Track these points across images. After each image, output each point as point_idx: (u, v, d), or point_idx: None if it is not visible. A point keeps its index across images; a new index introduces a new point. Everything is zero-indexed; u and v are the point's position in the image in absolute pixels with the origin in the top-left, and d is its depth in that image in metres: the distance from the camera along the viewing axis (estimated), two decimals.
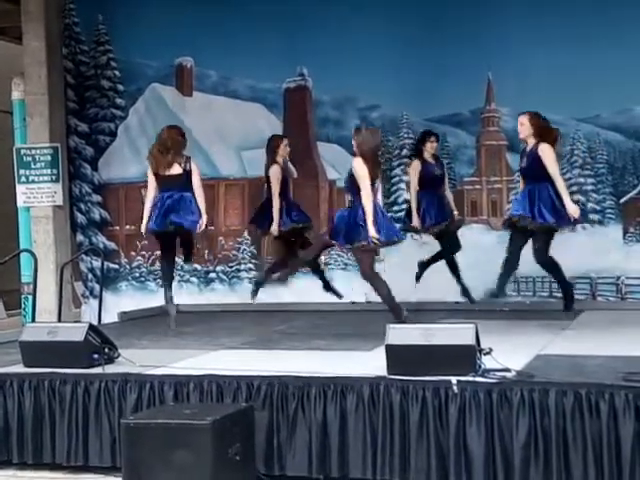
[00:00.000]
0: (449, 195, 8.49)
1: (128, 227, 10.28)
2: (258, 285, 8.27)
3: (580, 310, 8.15)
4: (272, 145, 8.15)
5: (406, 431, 4.89)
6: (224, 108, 10.01)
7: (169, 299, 7.69)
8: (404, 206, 9.50)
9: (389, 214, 9.46)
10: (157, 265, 10.09)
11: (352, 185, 6.85)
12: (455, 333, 5.10)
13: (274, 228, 8.02)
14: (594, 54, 8.58)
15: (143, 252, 10.18)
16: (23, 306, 9.96)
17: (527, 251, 7.62)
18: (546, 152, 6.94)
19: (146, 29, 9.78)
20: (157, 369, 5.60)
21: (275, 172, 8.01)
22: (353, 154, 7.07)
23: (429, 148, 8.33)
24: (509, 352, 5.43)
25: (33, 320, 9.01)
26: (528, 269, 8.74)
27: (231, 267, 9.75)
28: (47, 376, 5.57)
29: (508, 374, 4.94)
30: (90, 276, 10.28)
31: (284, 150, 8.13)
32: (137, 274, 10.19)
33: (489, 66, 8.96)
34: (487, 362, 5.04)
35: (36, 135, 9.97)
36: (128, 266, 10.21)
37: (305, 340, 6.87)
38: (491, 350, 5.12)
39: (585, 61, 8.64)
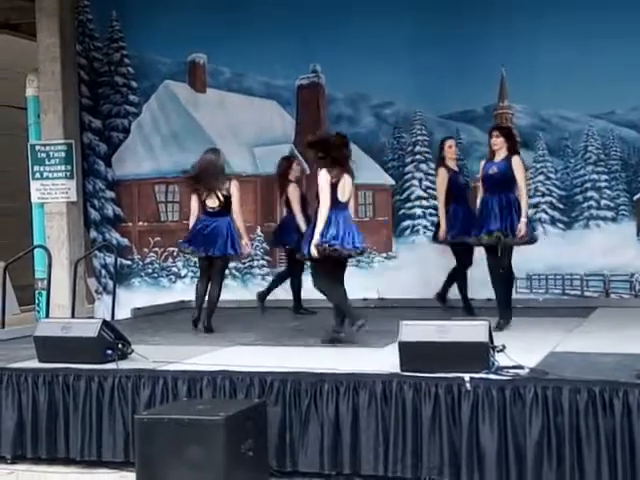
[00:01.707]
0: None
1: (141, 223, 10.32)
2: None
3: (594, 307, 8.14)
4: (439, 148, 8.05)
5: (418, 428, 4.89)
6: (237, 105, 10.02)
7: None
8: (417, 202, 9.52)
9: (401, 211, 9.52)
10: (169, 261, 10.14)
11: None
12: (468, 330, 5.10)
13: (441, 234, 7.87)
14: (608, 51, 8.53)
15: (156, 248, 10.21)
16: (37, 302, 10.00)
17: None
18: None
19: (160, 26, 9.79)
20: (170, 365, 5.61)
21: (441, 174, 7.87)
22: None
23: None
24: (522, 349, 5.43)
25: (47, 316, 9.05)
26: (541, 267, 8.77)
27: (244, 263, 9.75)
28: (61, 371, 5.59)
29: (521, 371, 4.93)
30: (103, 272, 10.31)
31: (450, 152, 7.98)
32: (150, 270, 10.21)
33: (503, 63, 8.93)
34: (500, 359, 5.03)
35: (50, 131, 10.01)
36: (141, 262, 10.24)
37: (318, 336, 6.87)
38: (504, 347, 5.11)
39: (599, 58, 8.59)
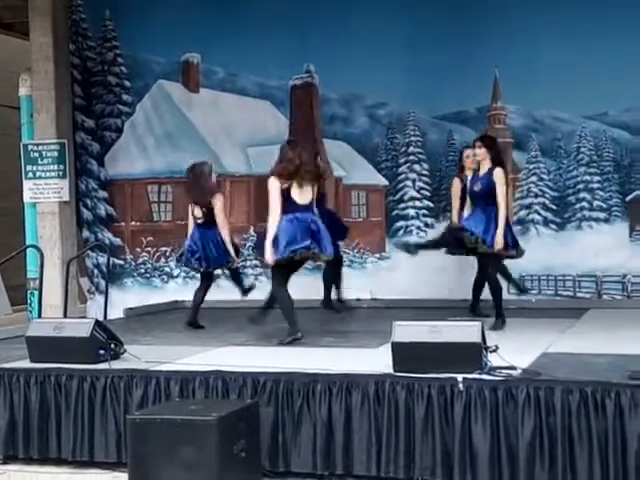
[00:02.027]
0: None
1: (133, 223, 10.31)
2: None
3: (586, 308, 8.15)
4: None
5: (411, 428, 4.89)
6: (230, 105, 10.02)
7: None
8: (410, 203, 9.53)
9: (394, 212, 9.53)
10: (162, 261, 10.14)
11: None
12: (461, 331, 5.10)
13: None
14: (601, 51, 8.57)
15: (148, 248, 10.21)
16: (29, 301, 9.98)
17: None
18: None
19: (153, 25, 9.80)
20: (163, 365, 5.60)
21: (454, 184, 7.97)
22: None
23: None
24: (515, 350, 5.43)
25: (39, 315, 9.03)
26: (533, 268, 8.78)
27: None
28: (53, 371, 5.58)
29: (514, 372, 4.94)
30: (96, 272, 10.30)
31: (467, 161, 7.95)
32: (142, 270, 10.21)
33: (496, 64, 8.95)
34: (493, 360, 5.04)
35: (43, 131, 9.99)
36: (133, 262, 10.23)
37: (310, 337, 6.87)
38: (497, 348, 5.12)
39: (592, 58, 8.62)
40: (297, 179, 6.45)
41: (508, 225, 7.12)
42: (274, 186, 6.43)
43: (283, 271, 6.61)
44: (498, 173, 7.02)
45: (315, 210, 6.63)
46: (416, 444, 4.87)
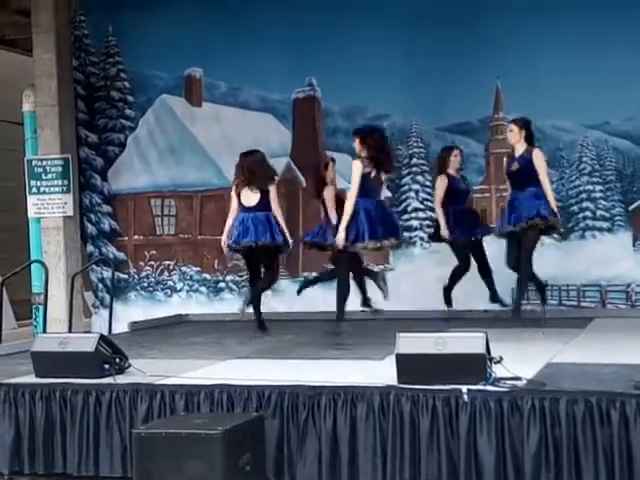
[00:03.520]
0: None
1: (137, 237, 10.33)
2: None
3: (590, 318, 8.15)
4: (441, 156, 8.34)
5: (416, 440, 4.89)
6: (233, 118, 10.06)
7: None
8: (413, 214, 9.54)
9: (400, 222, 9.53)
10: (165, 275, 10.15)
11: None
12: (465, 342, 5.09)
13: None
14: (602, 61, 8.59)
15: (151, 262, 10.23)
16: (34, 316, 10.00)
17: (535, 259, 7.62)
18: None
19: (156, 40, 9.84)
20: (168, 379, 5.61)
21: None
22: None
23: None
24: (519, 360, 5.43)
25: (44, 330, 9.04)
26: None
27: (241, 276, 9.75)
28: (58, 386, 5.58)
29: (519, 383, 4.93)
30: (100, 286, 10.32)
31: (454, 162, 8.25)
32: (145, 284, 10.22)
33: (497, 75, 8.98)
34: (498, 371, 5.03)
35: (47, 146, 10.03)
36: (137, 276, 10.25)
37: (315, 349, 6.88)
38: (501, 359, 5.11)
39: (593, 68, 8.65)
40: (243, 184, 7.75)
41: (359, 216, 7.00)
42: (233, 189, 7.86)
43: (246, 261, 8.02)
44: (353, 164, 7.07)
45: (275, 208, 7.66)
46: (421, 456, 4.87)
